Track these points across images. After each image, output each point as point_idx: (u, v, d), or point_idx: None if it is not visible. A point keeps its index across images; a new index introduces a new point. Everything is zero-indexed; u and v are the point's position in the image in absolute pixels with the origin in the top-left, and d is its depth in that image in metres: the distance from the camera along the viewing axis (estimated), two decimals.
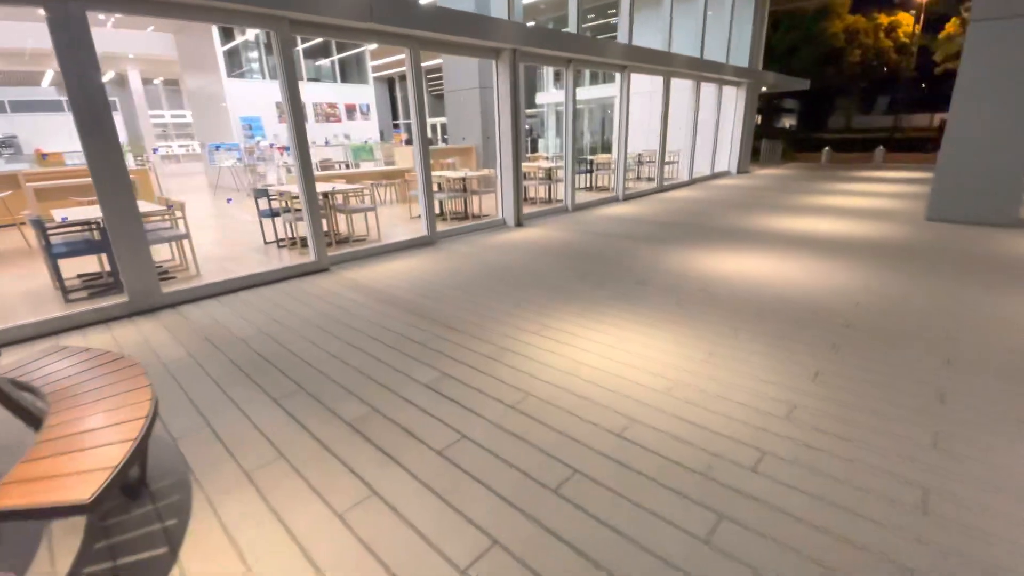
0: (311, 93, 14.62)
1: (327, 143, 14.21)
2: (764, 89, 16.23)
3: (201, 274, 5.05)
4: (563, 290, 4.30)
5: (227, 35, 13.07)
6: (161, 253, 5.84)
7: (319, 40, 14.84)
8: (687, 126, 11.92)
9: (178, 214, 5.13)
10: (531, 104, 19.18)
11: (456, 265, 5.21)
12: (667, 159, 10.76)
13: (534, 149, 19.82)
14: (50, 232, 4.44)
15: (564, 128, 8.15)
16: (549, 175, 9.33)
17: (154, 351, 3.32)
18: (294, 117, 4.72)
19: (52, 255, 4.25)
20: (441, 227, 6.93)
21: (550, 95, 17.19)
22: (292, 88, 4.64)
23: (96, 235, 4.61)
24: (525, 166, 8.83)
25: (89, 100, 3.59)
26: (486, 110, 10.77)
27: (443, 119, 23.21)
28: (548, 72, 16.90)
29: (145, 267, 4.01)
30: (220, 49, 12.71)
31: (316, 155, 13.41)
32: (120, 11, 3.67)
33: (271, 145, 12.02)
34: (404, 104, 26.59)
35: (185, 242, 5.15)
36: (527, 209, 8.05)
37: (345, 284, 4.64)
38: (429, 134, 21.91)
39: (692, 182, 12.16)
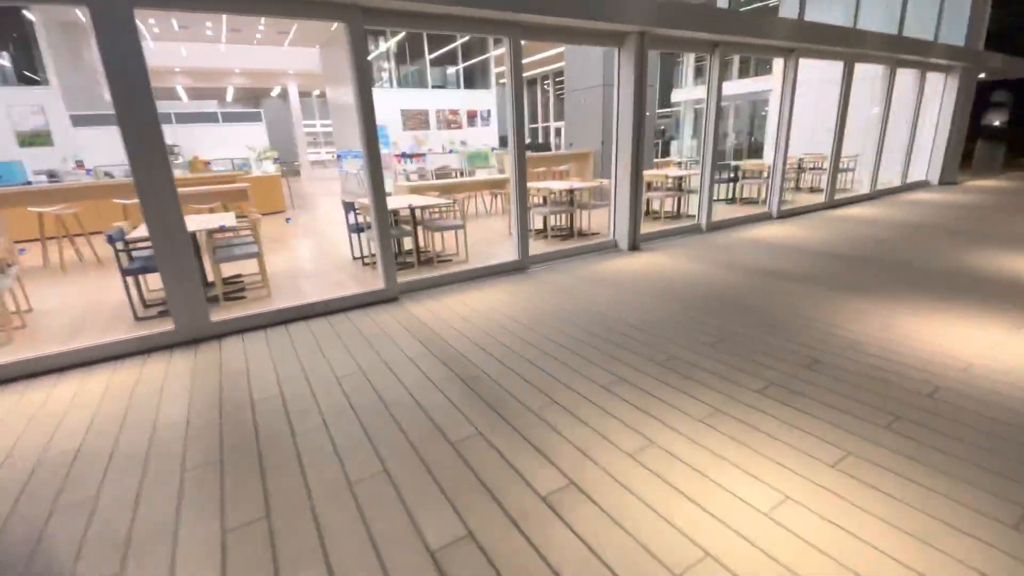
0: (435, 100, 14.62)
1: (449, 151, 14.05)
2: (981, 76, 12.45)
3: (271, 295, 4.62)
4: (684, 365, 2.94)
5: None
6: (247, 267, 5.64)
7: (447, 48, 14.79)
8: (869, 124, 9.33)
9: (257, 228, 4.77)
10: (665, 102, 17.29)
11: (542, 304, 4.09)
12: (840, 165, 8.45)
13: (665, 153, 17.84)
14: (130, 247, 4.28)
15: (704, 127, 6.57)
16: (679, 185, 7.74)
17: (156, 412, 2.74)
18: (365, 122, 4.02)
19: (121, 270, 4.04)
20: (539, 248, 5.86)
21: (688, 91, 15.20)
22: (364, 88, 3.94)
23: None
24: (651, 174, 7.39)
25: (133, 103, 3.18)
26: (609, 110, 9.49)
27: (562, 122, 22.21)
28: (688, 66, 14.95)
29: (191, 292, 3.56)
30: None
31: (435, 162, 13.28)
32: (170, 7, 3.22)
33: (388, 152, 12.05)
34: (531, 109, 26.21)
35: (260, 259, 4.78)
36: (648, 227, 6.62)
37: (404, 324, 3.80)
38: (544, 139, 21.02)
39: (876, 196, 9.50)
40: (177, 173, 10.07)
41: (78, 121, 10.43)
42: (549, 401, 2.60)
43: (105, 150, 10.62)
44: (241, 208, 7.49)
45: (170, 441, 2.41)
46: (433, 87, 14.75)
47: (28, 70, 10.03)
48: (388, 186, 12.10)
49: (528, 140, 15.01)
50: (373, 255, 5.86)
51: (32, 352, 3.31)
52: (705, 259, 5.36)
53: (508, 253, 5.51)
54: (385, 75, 14.11)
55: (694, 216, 7.25)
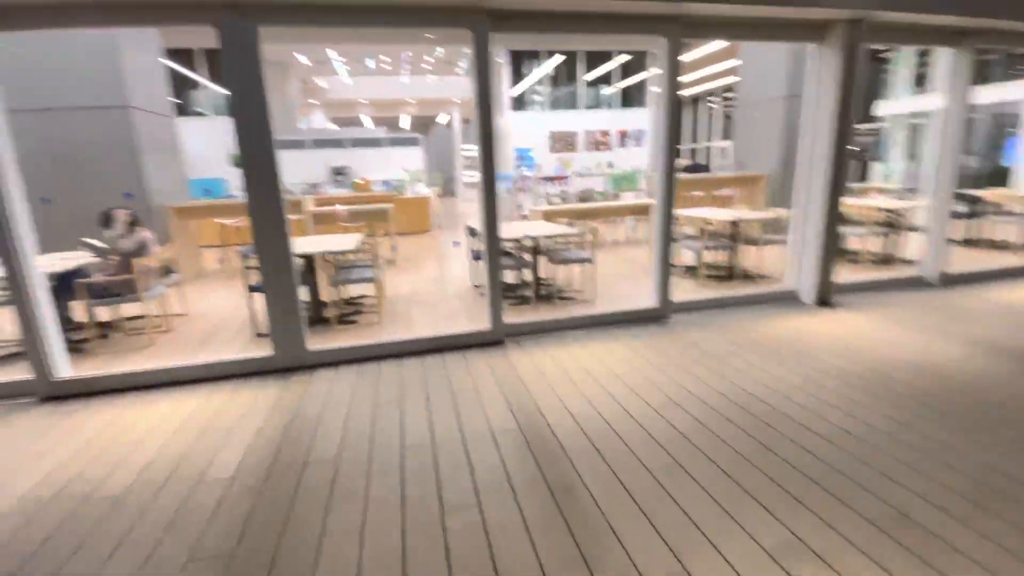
0: (585, 121, 14.10)
1: (587, 172, 13.38)
2: None
3: (381, 322, 4.36)
4: (927, 539, 1.72)
5: (516, 78, 13.63)
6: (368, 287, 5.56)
7: (604, 70, 14.23)
8: None
9: (388, 252, 4.58)
10: (863, 117, 14.29)
11: (681, 377, 3.06)
12: None
13: (863, 177, 14.74)
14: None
15: (937, 145, 4.81)
16: (892, 219, 5.88)
17: (211, 459, 2.44)
18: (483, 138, 3.49)
19: (249, 287, 4.09)
20: (687, 291, 4.77)
21: (899, 103, 12.30)
22: (484, 101, 3.42)
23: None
24: (852, 205, 5.72)
25: (251, 126, 3.07)
26: (792, 126, 7.84)
27: (731, 142, 19.94)
28: (906, 69, 12.11)
29: (291, 319, 3.36)
30: (506, 85, 13.31)
31: (578, 184, 12.69)
32: (294, 24, 3.05)
33: (530, 176, 11.78)
34: (692, 128, 24.24)
35: (377, 285, 4.57)
36: (845, 274, 5.04)
37: (500, 379, 3.12)
38: (705, 161, 18.98)
39: None
40: (342, 191, 11.04)
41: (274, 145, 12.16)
42: (670, 557, 1.64)
43: (292, 170, 12.17)
44: (382, 229, 7.69)
45: (201, 508, 2.03)
46: (586, 108, 14.26)
47: None
48: (525, 209, 11.79)
49: (687, 161, 13.58)
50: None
51: (152, 363, 3.38)
52: (940, 330, 3.72)
53: (645, 296, 4.53)
54: (537, 98, 14.04)
55: (914, 262, 5.38)
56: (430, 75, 18.70)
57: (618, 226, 8.79)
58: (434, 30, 3.37)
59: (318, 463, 2.30)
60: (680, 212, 5.50)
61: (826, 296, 4.45)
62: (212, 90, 12.71)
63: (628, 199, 12.15)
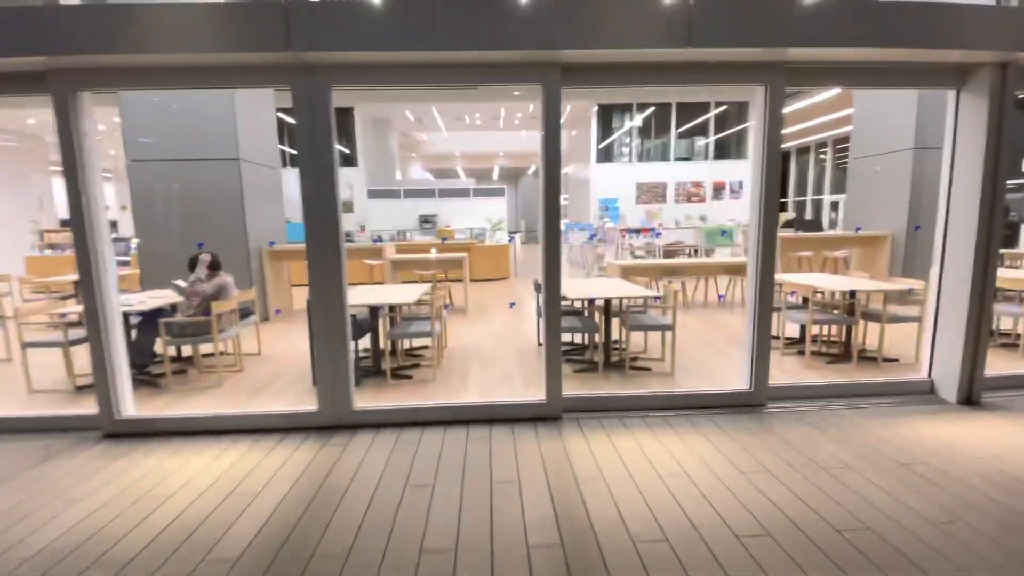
0: (676, 172, 13.56)
1: (677, 224, 12.67)
2: None
3: (436, 378, 4.14)
4: None
5: (605, 130, 13.58)
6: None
7: (696, 121, 13.74)
8: None
9: (460, 300, 4.43)
10: (1013, 173, 12.24)
11: (780, 493, 2.42)
12: None
13: (1010, 242, 12.57)
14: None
15: None
16: None
17: (223, 534, 2.26)
18: (548, 191, 3.24)
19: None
20: (790, 371, 4.06)
21: None
22: (551, 152, 3.19)
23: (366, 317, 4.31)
24: (1008, 279, 4.65)
25: (321, 180, 3.08)
26: (922, 181, 6.75)
27: (841, 196, 18.14)
28: None
29: (338, 374, 3.23)
30: (595, 137, 13.28)
31: (667, 237, 12.06)
32: (363, 82, 3.07)
33: (613, 227, 11.38)
34: (799, 180, 22.50)
35: (436, 340, 4.39)
36: (999, 365, 4.01)
37: (551, 469, 2.69)
38: (809, 215, 17.29)
39: None
40: (427, 239, 11.42)
41: (372, 194, 13.04)
42: None
43: (385, 218, 12.96)
44: (457, 276, 7.67)
45: None
46: (677, 159, 13.76)
47: (350, 154, 13.17)
48: (607, 260, 11.35)
49: (791, 215, 12.43)
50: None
51: (210, 406, 3.41)
52: None
53: (736, 374, 3.88)
54: (626, 149, 13.83)
55: None
56: (520, 130, 19.33)
57: (709, 285, 8.04)
58: (506, 86, 3.24)
59: (326, 557, 2.02)
60: (784, 277, 4.81)
61: (974, 392, 3.51)
62: None
63: (723, 255, 11.30)
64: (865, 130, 7.69)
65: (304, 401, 3.68)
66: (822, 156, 19.99)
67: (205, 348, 4.71)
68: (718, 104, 13.59)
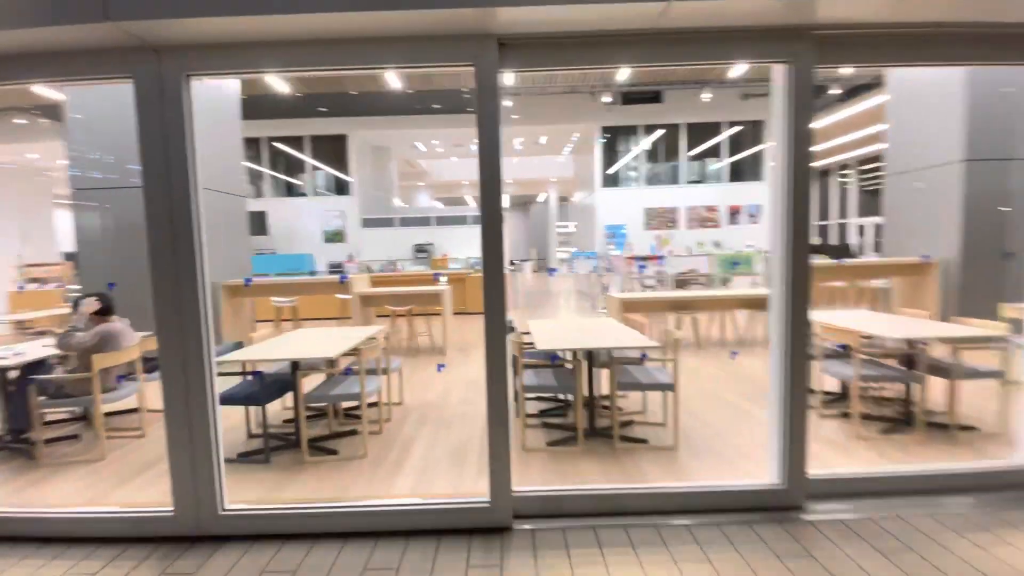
0: (688, 196, 12.68)
1: (689, 251, 11.69)
2: None
3: (367, 453, 3.23)
4: None
5: (611, 154, 12.85)
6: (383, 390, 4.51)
7: (708, 145, 12.91)
8: None
9: (430, 338, 3.55)
10: None
11: None
12: None
13: None
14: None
15: None
16: None
17: None
18: (487, 203, 2.38)
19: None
20: (832, 451, 3.05)
21: None
22: (490, 153, 2.34)
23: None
24: None
25: (171, 198, 2.29)
26: (977, 198, 5.70)
27: (876, 219, 16.92)
28: None
29: (198, 459, 2.34)
30: (598, 159, 12.54)
31: (677, 265, 11.07)
32: (233, 68, 2.29)
33: (618, 255, 10.46)
34: (822, 203, 21.30)
35: (385, 389, 3.50)
36: None
37: None
38: (851, 239, 16.10)
39: None
40: (420, 268, 10.67)
41: (366, 223, 12.44)
42: None
43: (378, 247, 12.30)
44: (432, 309, 6.83)
45: None
46: (689, 183, 12.89)
47: (342, 183, 12.65)
48: (613, 292, 10.42)
49: (815, 240, 11.39)
50: (540, 409, 4.03)
51: (66, 495, 2.54)
52: None
53: (760, 452, 2.89)
54: (633, 173, 13.02)
55: None
56: (528, 156, 18.78)
57: (725, 321, 7.01)
58: (425, 67, 2.43)
59: None
60: (820, 318, 3.81)
61: None
62: (315, 172, 13.59)
63: (742, 285, 10.24)
64: (900, 144, 6.73)
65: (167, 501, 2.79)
66: (843, 179, 18.92)
67: (109, 407, 3.91)
68: (732, 124, 12.78)
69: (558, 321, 4.20)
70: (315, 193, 12.65)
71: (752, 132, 13.00)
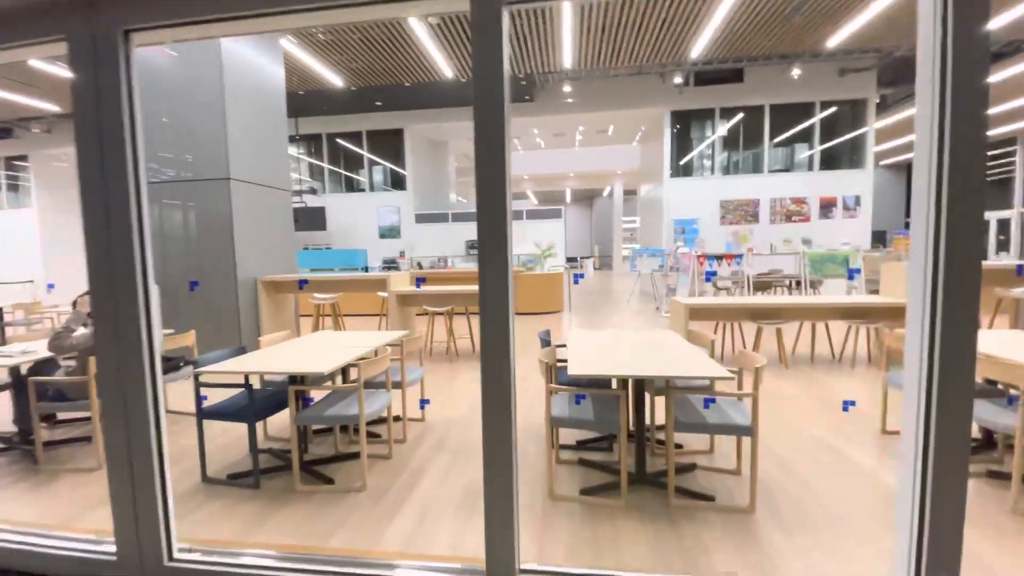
0: (772, 187, 11.27)
1: (773, 249, 10.34)
2: None
3: (368, 485, 2.75)
4: None
5: (683, 143, 11.72)
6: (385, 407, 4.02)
7: (797, 129, 11.39)
8: None
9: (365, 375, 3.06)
10: None
11: None
12: None
13: None
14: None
15: None
16: None
17: None
18: (485, 187, 1.75)
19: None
20: (980, 527, 2.14)
21: None
22: (490, 106, 1.71)
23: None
24: None
25: (107, 184, 1.88)
26: None
27: (1007, 213, 14.35)
28: None
29: (141, 495, 1.94)
30: (668, 145, 11.44)
31: (757, 264, 9.83)
32: (168, 24, 1.83)
33: (688, 252, 9.41)
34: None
35: (392, 410, 3.01)
36: None
37: None
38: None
39: None
40: (469, 266, 10.23)
41: (419, 219, 12.22)
42: None
43: (431, 243, 12.06)
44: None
45: None
46: (773, 171, 11.47)
47: (397, 177, 12.52)
48: (680, 294, 9.41)
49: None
50: (577, 440, 3.36)
51: (39, 515, 2.27)
52: None
53: (876, 528, 2.06)
54: (708, 162, 11.78)
55: None
56: (593, 146, 17.83)
57: (818, 332, 5.90)
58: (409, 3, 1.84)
59: None
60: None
61: None
62: (372, 168, 13.60)
63: (836, 290, 8.94)
64: None
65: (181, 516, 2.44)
66: None
67: None
68: (826, 104, 11.18)
69: (605, 333, 3.50)
70: (371, 189, 12.62)
71: (852, 113, 11.33)
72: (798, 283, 8.72)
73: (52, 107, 10.71)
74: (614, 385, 2.84)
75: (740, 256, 9.04)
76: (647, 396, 2.86)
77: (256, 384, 3.26)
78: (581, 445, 3.19)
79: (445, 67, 9.06)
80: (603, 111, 11.68)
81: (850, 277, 8.48)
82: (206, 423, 2.84)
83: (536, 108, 11.65)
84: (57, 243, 12.84)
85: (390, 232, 12.04)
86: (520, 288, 9.23)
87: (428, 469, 2.96)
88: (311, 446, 3.33)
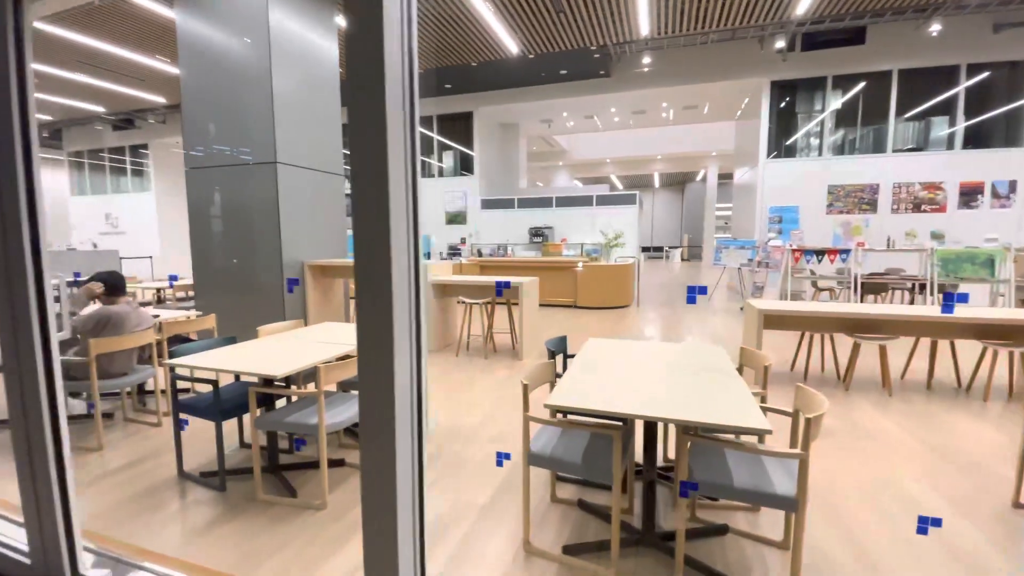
0: (898, 169, 9.43)
1: (889, 244, 8.64)
2: None
3: (328, 503, 2.44)
4: None
5: (784, 122, 10.18)
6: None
7: (937, 99, 9.35)
8: None
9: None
10: None
11: None
12: None
13: None
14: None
15: None
16: None
17: None
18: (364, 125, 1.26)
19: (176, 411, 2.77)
20: None
21: None
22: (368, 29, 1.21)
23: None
24: None
25: None
26: None
27: None
28: None
29: (43, 507, 1.76)
30: (765, 120, 9.98)
31: (870, 263, 8.31)
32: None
33: (781, 246, 8.12)
34: None
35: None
36: None
37: None
38: None
39: None
40: (530, 254, 9.76)
41: (485, 204, 11.92)
42: None
43: (496, 229, 11.72)
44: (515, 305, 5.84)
45: None
46: (896, 151, 9.58)
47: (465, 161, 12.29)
48: (768, 295, 8.22)
49: None
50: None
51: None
52: None
53: None
54: (815, 141, 10.11)
55: None
56: (687, 126, 16.29)
57: (940, 353, 4.64)
58: None
59: None
60: None
61: None
62: (441, 153, 13.51)
63: (977, 297, 7.27)
64: None
65: (158, 515, 2.33)
66: None
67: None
68: (973, 70, 9.03)
69: (628, 345, 2.87)
70: (440, 174, 12.52)
71: (1008, 78, 9.06)
72: (922, 287, 7.16)
73: (162, 100, 11.86)
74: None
75: (846, 252, 7.63)
76: (660, 427, 2.24)
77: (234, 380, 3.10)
78: (588, 480, 2.63)
79: (510, 43, 8.55)
80: (688, 84, 10.48)
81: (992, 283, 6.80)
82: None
83: (612, 84, 10.74)
84: (168, 223, 14.37)
85: (456, 218, 11.90)
86: (581, 280, 8.59)
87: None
88: (305, 447, 3.11)
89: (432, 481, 2.68)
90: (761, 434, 1.68)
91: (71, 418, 3.52)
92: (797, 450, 1.71)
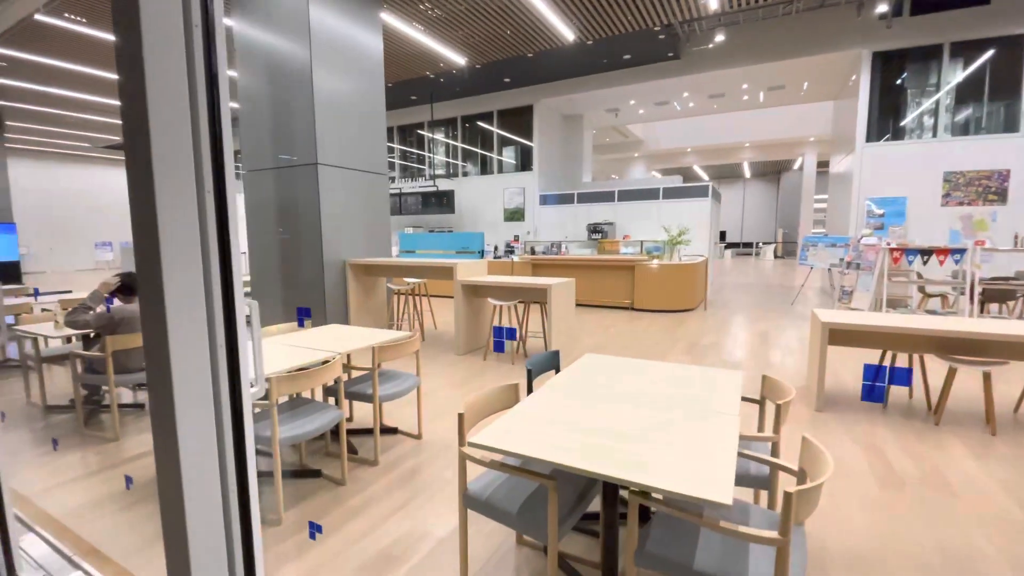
0: (942, 156, 7.74)
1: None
2: None
3: (347, 482, 2.34)
4: None
5: (889, 99, 8.73)
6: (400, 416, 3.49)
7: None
8: None
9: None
10: None
11: None
12: None
13: None
14: None
15: None
16: None
17: None
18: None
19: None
20: None
21: None
22: None
23: None
24: None
25: None
26: None
27: None
28: None
29: None
30: (864, 98, 8.62)
31: (993, 264, 6.90)
32: None
33: (878, 244, 6.94)
34: None
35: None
36: None
37: None
38: None
39: None
40: (586, 252, 9.28)
41: (543, 200, 11.57)
42: None
43: (554, 226, 11.34)
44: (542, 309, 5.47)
45: None
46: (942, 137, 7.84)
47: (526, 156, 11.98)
48: (859, 302, 7.14)
49: None
50: None
51: None
52: None
53: None
54: (928, 120, 8.55)
55: None
56: (780, 108, 14.60)
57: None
58: None
59: None
60: None
61: None
62: (501, 149, 13.32)
63: None
64: None
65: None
66: None
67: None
68: None
69: (627, 364, 2.48)
70: (500, 170, 12.36)
71: None
72: None
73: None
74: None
75: (960, 251, 6.36)
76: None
77: None
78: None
79: (565, 30, 8.13)
80: (772, 62, 9.35)
81: None
82: None
83: (682, 66, 9.88)
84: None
85: (514, 215, 11.68)
86: (639, 280, 7.99)
87: (367, 509, 2.42)
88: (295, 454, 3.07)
89: (400, 504, 2.48)
90: (719, 508, 1.26)
91: (121, 406, 3.80)
92: (773, 533, 1.27)
